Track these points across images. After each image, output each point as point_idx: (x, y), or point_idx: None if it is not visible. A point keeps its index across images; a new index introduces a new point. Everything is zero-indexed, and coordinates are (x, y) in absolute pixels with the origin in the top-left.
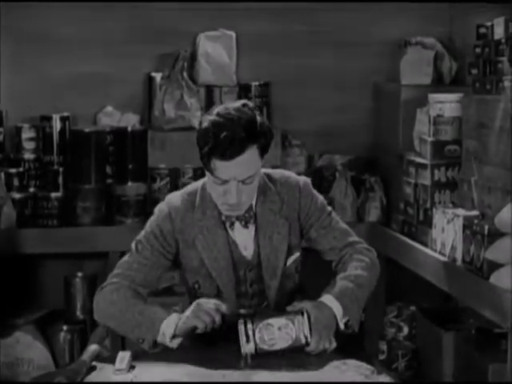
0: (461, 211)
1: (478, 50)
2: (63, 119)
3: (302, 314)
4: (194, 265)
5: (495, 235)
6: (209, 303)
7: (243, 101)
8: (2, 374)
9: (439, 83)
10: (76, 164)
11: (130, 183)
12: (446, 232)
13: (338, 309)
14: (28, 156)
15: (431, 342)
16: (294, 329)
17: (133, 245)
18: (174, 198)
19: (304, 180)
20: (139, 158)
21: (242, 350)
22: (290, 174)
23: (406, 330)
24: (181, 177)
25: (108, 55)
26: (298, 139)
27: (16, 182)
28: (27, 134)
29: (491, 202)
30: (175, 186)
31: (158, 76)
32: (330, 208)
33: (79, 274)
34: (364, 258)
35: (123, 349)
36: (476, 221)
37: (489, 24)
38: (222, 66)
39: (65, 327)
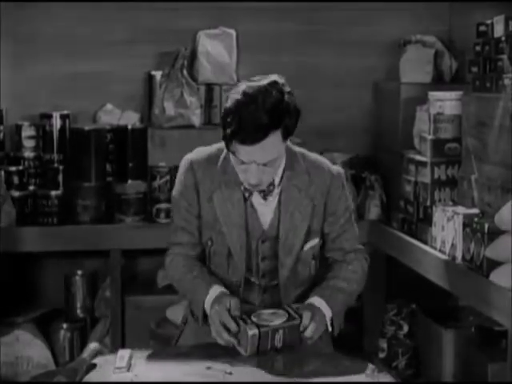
0: (461, 209)
1: (478, 48)
2: (63, 117)
3: (288, 305)
4: (210, 219)
5: (495, 233)
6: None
7: (274, 77)
8: (1, 372)
9: (439, 81)
10: (76, 162)
11: (130, 181)
12: (446, 230)
13: (328, 313)
14: (28, 154)
15: (431, 340)
16: (285, 312)
17: (172, 204)
18: (201, 150)
19: (338, 169)
20: (139, 156)
21: (248, 337)
22: (326, 161)
23: (405, 327)
24: None
25: (108, 53)
26: (297, 137)
27: (16, 180)
28: (27, 132)
29: (491, 200)
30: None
31: (158, 74)
32: (353, 206)
33: (79, 272)
34: (360, 270)
35: (123, 347)
36: (476, 219)
37: (489, 22)
38: (222, 64)
39: (65, 325)
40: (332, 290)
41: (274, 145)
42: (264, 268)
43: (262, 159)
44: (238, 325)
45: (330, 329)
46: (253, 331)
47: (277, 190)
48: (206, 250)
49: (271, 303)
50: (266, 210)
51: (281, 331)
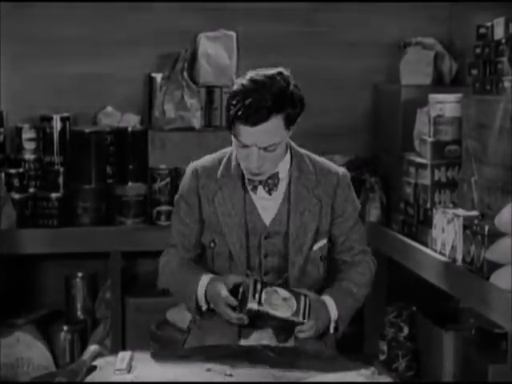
0: (461, 211)
1: (478, 51)
2: (63, 119)
3: (305, 297)
4: (212, 221)
5: (495, 235)
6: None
7: (279, 69)
8: (2, 374)
9: (439, 83)
10: (76, 164)
11: (130, 183)
12: (446, 232)
13: (334, 316)
14: (28, 156)
15: (431, 342)
16: (296, 304)
17: (174, 207)
18: (206, 157)
19: (343, 171)
20: (139, 158)
21: (246, 306)
22: (331, 163)
23: (406, 330)
24: (181, 177)
25: (108, 55)
26: (298, 139)
27: (16, 183)
28: (27, 134)
29: (491, 202)
30: (175, 187)
31: (158, 76)
32: (359, 206)
33: (79, 274)
34: (368, 272)
35: (124, 349)
36: (476, 221)
37: (489, 24)
38: (222, 66)
39: (65, 327)
40: (344, 293)
41: (275, 129)
42: (267, 265)
43: (262, 142)
44: (238, 293)
45: (331, 331)
46: (253, 305)
47: (282, 185)
48: (208, 252)
49: None
50: (269, 205)
51: (277, 321)
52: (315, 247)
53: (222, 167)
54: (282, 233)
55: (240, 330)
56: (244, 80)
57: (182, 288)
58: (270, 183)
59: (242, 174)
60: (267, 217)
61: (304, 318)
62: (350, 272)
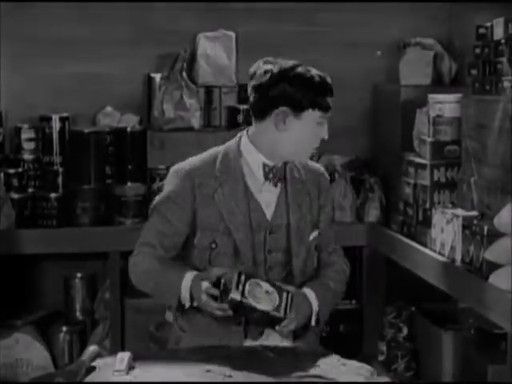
0: (460, 211)
1: (477, 51)
2: (63, 120)
3: (288, 292)
4: (212, 221)
5: (494, 235)
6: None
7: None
8: (1, 374)
9: (439, 84)
10: (75, 164)
11: (129, 183)
12: (446, 232)
13: (316, 308)
14: (27, 156)
15: (431, 342)
16: (278, 299)
17: (150, 209)
18: (193, 159)
19: (321, 167)
20: (138, 158)
21: (229, 297)
22: (311, 161)
23: (405, 330)
24: None
25: (107, 56)
26: None
27: (15, 183)
28: (27, 134)
29: (490, 203)
30: None
31: (157, 76)
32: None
33: (79, 275)
34: (342, 271)
35: (123, 349)
36: (475, 221)
37: (488, 24)
38: (221, 66)
39: (64, 328)
40: (324, 288)
41: None
42: (271, 260)
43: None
44: (221, 285)
45: (313, 323)
46: (235, 296)
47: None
48: (205, 253)
49: None
50: (269, 199)
51: (258, 313)
52: (311, 237)
53: (218, 165)
54: (284, 226)
55: (246, 333)
56: (293, 70)
57: (162, 287)
58: (281, 173)
59: (242, 170)
60: (268, 211)
61: (285, 314)
62: (326, 271)
